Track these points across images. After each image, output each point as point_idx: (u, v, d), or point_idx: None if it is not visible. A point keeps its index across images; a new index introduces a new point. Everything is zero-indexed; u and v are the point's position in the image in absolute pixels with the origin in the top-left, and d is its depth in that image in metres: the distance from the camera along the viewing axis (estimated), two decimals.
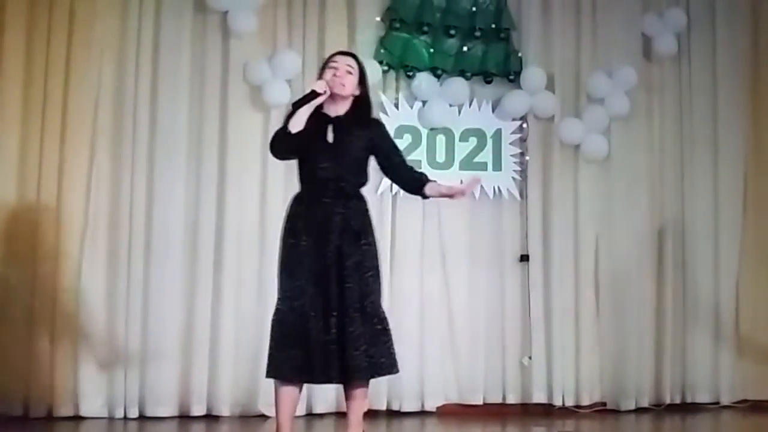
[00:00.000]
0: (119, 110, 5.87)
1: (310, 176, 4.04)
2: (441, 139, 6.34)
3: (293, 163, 4.17)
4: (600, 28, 6.57)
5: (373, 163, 4.20)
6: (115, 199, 5.82)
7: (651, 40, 6.59)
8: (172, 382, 5.77)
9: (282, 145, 4.03)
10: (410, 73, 6.28)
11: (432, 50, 6.31)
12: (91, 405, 5.66)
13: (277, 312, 3.98)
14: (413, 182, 4.19)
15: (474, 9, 6.38)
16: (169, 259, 5.82)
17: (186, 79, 5.95)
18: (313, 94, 3.98)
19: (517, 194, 6.39)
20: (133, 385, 5.71)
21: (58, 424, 5.51)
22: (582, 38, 6.55)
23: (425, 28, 6.30)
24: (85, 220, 5.76)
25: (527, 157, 6.43)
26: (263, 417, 5.69)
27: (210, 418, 5.77)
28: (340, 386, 4.08)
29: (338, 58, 4.16)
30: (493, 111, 6.42)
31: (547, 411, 6.26)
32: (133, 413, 5.69)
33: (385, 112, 6.22)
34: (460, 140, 6.36)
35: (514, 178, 6.40)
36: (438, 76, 6.31)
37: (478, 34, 6.35)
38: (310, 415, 5.86)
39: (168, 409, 5.74)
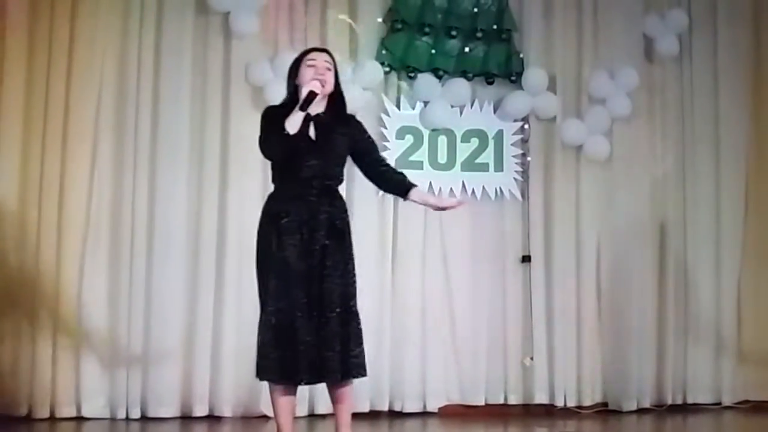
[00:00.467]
0: (121, 111, 5.87)
1: (294, 174, 3.97)
2: (443, 140, 6.34)
3: None
4: (601, 28, 6.57)
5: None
6: (116, 200, 5.83)
7: (652, 41, 6.59)
8: (174, 383, 5.78)
9: (278, 146, 3.95)
10: (412, 74, 6.29)
11: (433, 51, 6.31)
12: (94, 406, 5.67)
13: (266, 312, 3.95)
14: (396, 183, 4.16)
15: (475, 10, 6.38)
16: (171, 259, 5.83)
17: (188, 80, 5.95)
18: (313, 95, 3.96)
19: (518, 195, 6.39)
20: (135, 386, 5.72)
21: (60, 424, 5.52)
22: (583, 39, 6.55)
23: (427, 29, 6.29)
24: (87, 221, 5.76)
25: (529, 158, 6.44)
26: (265, 418, 5.68)
27: (212, 418, 5.78)
28: None
29: (315, 55, 4.08)
30: (494, 112, 6.42)
31: (549, 412, 6.27)
32: (135, 414, 5.70)
33: (387, 113, 6.23)
34: (461, 141, 6.37)
35: (515, 179, 6.40)
36: (439, 77, 6.31)
37: (479, 35, 6.35)
38: (312, 416, 5.87)
39: (170, 410, 5.75)
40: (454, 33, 6.33)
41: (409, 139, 6.28)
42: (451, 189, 6.28)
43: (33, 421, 5.52)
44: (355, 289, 4.01)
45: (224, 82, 6.01)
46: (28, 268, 5.65)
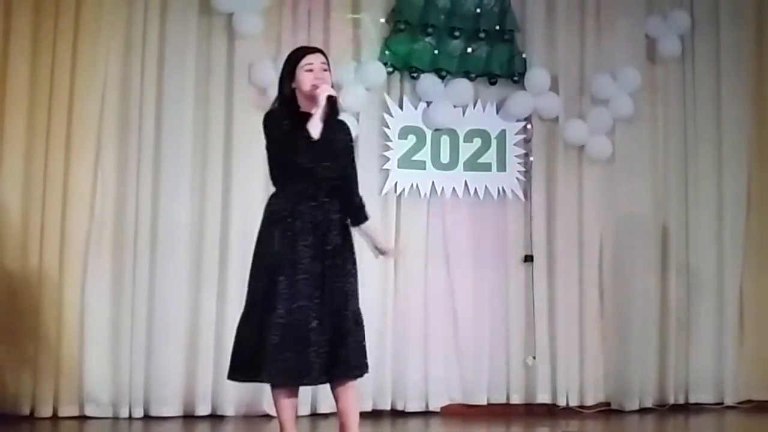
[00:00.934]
0: (125, 111, 5.89)
1: (307, 175, 3.93)
2: (445, 140, 6.35)
3: None
4: (604, 29, 6.58)
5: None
6: (120, 200, 5.84)
7: (655, 42, 6.60)
8: (177, 382, 5.79)
9: (306, 152, 3.87)
10: (415, 75, 6.30)
11: (436, 51, 6.32)
12: (97, 405, 5.69)
13: (275, 315, 3.84)
14: (356, 209, 4.10)
15: (478, 10, 6.39)
16: (174, 258, 5.84)
17: (191, 80, 5.97)
18: (332, 100, 3.94)
19: (521, 195, 6.40)
20: (138, 385, 5.73)
21: (63, 423, 5.53)
22: (586, 40, 6.56)
23: (430, 30, 6.30)
24: (91, 221, 5.78)
25: (531, 158, 6.44)
26: (268, 417, 5.70)
27: (215, 417, 5.80)
28: None
29: (311, 58, 4.01)
30: (497, 112, 6.43)
31: (551, 411, 6.27)
32: (138, 413, 5.71)
33: (390, 113, 6.24)
34: (464, 141, 6.37)
35: (518, 179, 6.40)
36: (442, 77, 6.32)
37: (482, 35, 6.37)
38: (315, 415, 5.88)
39: (173, 409, 5.76)
40: (456, 33, 6.34)
41: (412, 139, 6.29)
42: (453, 189, 6.30)
43: (36, 420, 5.53)
44: (357, 289, 4.01)
45: (228, 83, 6.03)
46: (31, 268, 5.66)
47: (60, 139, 5.75)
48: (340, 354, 3.86)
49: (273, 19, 6.09)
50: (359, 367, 3.92)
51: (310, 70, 3.97)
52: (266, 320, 3.83)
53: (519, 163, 6.42)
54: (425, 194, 6.27)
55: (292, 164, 3.94)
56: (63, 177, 5.75)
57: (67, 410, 5.62)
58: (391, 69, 6.25)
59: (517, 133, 6.44)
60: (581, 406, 6.32)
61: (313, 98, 3.93)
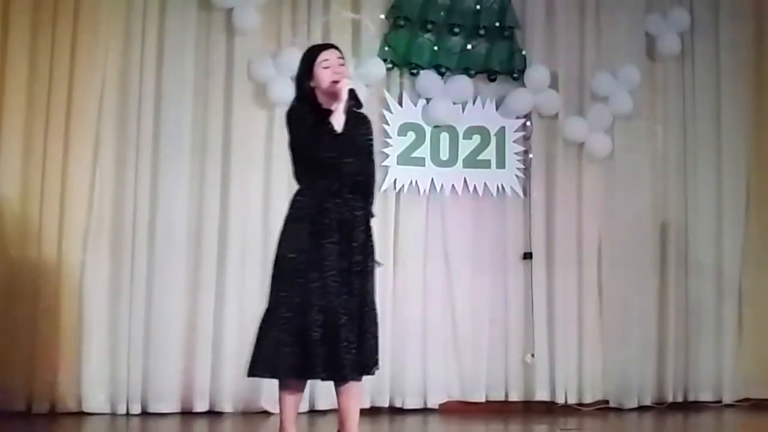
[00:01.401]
0: (123, 107, 5.88)
1: (330, 170, 3.92)
2: (445, 137, 6.35)
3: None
4: (604, 27, 6.58)
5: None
6: (119, 196, 5.83)
7: (654, 40, 6.61)
8: (175, 379, 5.78)
9: (331, 146, 3.88)
10: (414, 71, 6.29)
11: (436, 48, 6.32)
12: (94, 401, 5.67)
13: (313, 312, 3.83)
14: (366, 205, 4.06)
15: (478, 7, 6.39)
16: (172, 255, 5.83)
17: (190, 76, 5.96)
18: (352, 93, 3.94)
19: (520, 192, 6.39)
20: (135, 381, 5.72)
21: (60, 419, 5.52)
22: (586, 37, 6.56)
23: (429, 26, 6.30)
24: (89, 217, 5.76)
25: (531, 155, 6.44)
26: (266, 413, 5.70)
27: (213, 414, 5.78)
28: None
29: (327, 54, 4.01)
30: (496, 109, 6.43)
31: (550, 409, 6.27)
32: (136, 409, 5.70)
33: (389, 110, 6.23)
34: (463, 138, 6.37)
35: (517, 176, 6.40)
36: (442, 74, 6.32)
37: (482, 32, 6.37)
38: (313, 412, 5.86)
39: (170, 405, 5.75)
40: (456, 30, 6.34)
41: (411, 135, 6.28)
42: (453, 185, 6.29)
43: (33, 416, 5.51)
44: (374, 285, 4.01)
45: (227, 79, 6.02)
46: (29, 264, 5.65)
47: (59, 135, 5.74)
48: (366, 348, 3.87)
49: (272, 16, 6.09)
50: (376, 363, 3.94)
51: (327, 67, 3.98)
52: (305, 318, 3.82)
53: (518, 160, 6.42)
54: (424, 191, 6.26)
55: (317, 159, 3.94)
56: (61, 174, 5.73)
57: (64, 406, 5.61)
58: (390, 65, 6.25)
59: (516, 130, 6.43)
60: (580, 404, 6.32)
61: (332, 95, 3.93)
